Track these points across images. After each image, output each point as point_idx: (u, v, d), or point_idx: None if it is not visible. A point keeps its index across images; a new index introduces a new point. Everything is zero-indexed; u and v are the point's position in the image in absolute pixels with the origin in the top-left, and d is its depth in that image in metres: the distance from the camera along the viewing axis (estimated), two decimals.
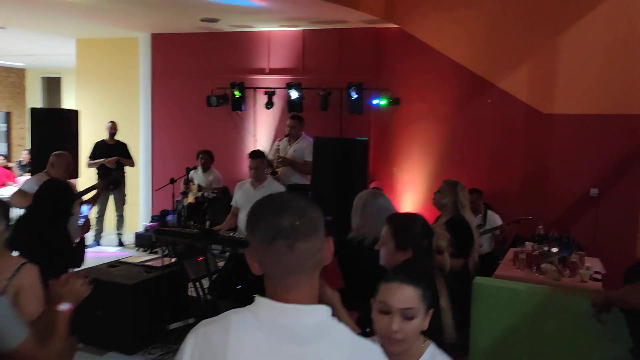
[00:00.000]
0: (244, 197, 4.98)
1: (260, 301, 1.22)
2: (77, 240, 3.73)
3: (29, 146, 9.72)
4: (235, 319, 1.20)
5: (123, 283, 4.48)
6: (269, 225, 1.18)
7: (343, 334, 1.21)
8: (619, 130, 5.77)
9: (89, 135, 7.86)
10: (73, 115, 7.25)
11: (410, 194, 6.84)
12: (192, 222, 6.62)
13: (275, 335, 1.17)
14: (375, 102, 6.81)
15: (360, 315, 2.16)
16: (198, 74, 7.89)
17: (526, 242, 4.56)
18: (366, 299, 1.79)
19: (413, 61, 6.72)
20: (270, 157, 6.37)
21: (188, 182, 6.99)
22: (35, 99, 13.09)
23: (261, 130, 7.69)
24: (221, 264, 5.45)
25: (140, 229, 8.06)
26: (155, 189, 7.89)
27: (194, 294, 4.80)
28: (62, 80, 12.70)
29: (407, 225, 2.40)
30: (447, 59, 6.43)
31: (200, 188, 6.94)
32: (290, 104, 7.08)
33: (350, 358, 1.17)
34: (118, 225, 7.86)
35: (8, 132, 13.05)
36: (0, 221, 2.25)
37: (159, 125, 8.39)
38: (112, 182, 6.90)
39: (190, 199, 6.93)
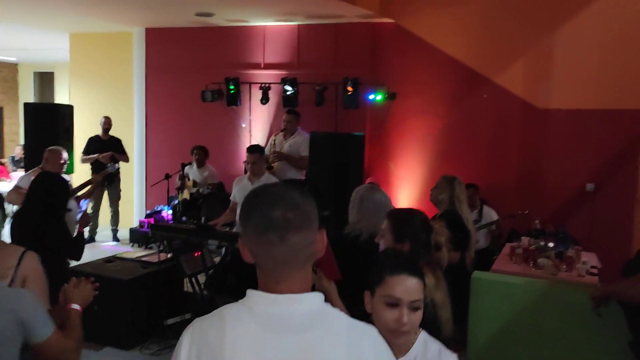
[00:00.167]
0: (241, 192, 4.96)
1: (253, 294, 1.22)
2: (76, 234, 3.71)
3: (21, 141, 9.66)
4: (229, 313, 1.21)
5: (120, 278, 4.47)
6: (261, 216, 1.19)
7: (339, 318, 1.23)
8: (614, 125, 5.79)
9: (82, 131, 7.80)
10: (67, 110, 7.20)
11: (406, 189, 6.84)
12: (185, 218, 6.61)
13: (271, 326, 1.17)
14: (371, 97, 6.79)
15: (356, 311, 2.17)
16: (193, 68, 7.85)
17: (523, 237, 4.58)
18: (362, 295, 1.78)
19: (409, 56, 6.71)
20: (265, 152, 6.36)
21: (183, 177, 6.96)
22: (27, 94, 13.00)
23: (256, 125, 7.67)
24: (217, 259, 5.44)
25: (135, 224, 8.03)
26: (150, 185, 7.86)
27: (190, 290, 4.79)
28: (55, 75, 12.61)
29: (406, 219, 2.42)
30: (443, 54, 6.43)
31: (195, 184, 6.91)
32: (286, 99, 7.06)
33: (348, 342, 1.17)
34: (113, 220, 7.83)
35: (0, 127, 12.96)
36: None
37: (154, 121, 8.35)
38: (106, 177, 6.86)
39: (185, 194, 6.90)
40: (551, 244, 4.28)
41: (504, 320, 3.23)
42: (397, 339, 1.63)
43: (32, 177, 3.77)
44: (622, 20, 5.72)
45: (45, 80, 13.03)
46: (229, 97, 7.42)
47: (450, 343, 1.81)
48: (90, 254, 4.80)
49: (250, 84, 7.50)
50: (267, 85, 7.25)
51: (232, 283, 4.87)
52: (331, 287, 2.24)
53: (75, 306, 2.03)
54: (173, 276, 4.82)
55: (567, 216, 5.81)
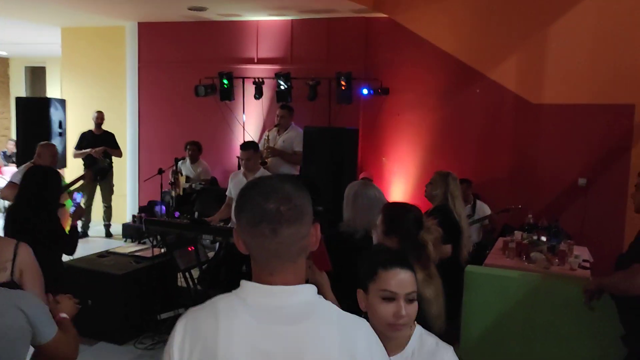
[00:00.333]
0: (237, 188, 4.95)
1: (246, 285, 1.23)
2: (69, 228, 3.70)
3: (13, 136, 9.59)
4: (223, 304, 1.22)
5: (113, 273, 4.46)
6: (255, 209, 1.20)
7: (330, 310, 1.24)
8: (606, 120, 5.83)
9: (75, 126, 7.76)
10: (60, 104, 7.15)
11: (399, 183, 6.86)
12: (178, 213, 6.59)
13: (264, 317, 1.18)
14: (364, 92, 6.80)
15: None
16: (185, 63, 7.81)
17: (515, 232, 4.60)
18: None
19: (402, 51, 6.71)
20: (259, 147, 6.35)
21: (176, 172, 6.93)
22: (18, 88, 12.89)
23: (250, 121, 7.65)
24: (211, 254, 5.44)
25: (127, 219, 8.00)
26: (143, 180, 7.83)
27: (184, 284, 4.78)
28: (47, 70, 12.51)
29: (398, 214, 2.42)
30: (436, 48, 6.43)
31: (188, 179, 6.89)
32: (279, 94, 7.04)
33: (339, 333, 1.18)
34: (105, 216, 7.80)
35: None
36: None
37: (146, 115, 8.31)
38: (98, 172, 6.83)
39: (178, 190, 6.88)
40: (544, 238, 4.31)
41: (497, 314, 3.25)
42: (395, 333, 1.65)
43: (24, 172, 3.75)
44: (614, 15, 5.74)
45: (36, 74, 12.92)
46: (223, 92, 7.40)
47: (442, 339, 1.81)
48: (83, 249, 4.79)
49: (243, 78, 7.47)
50: (260, 80, 7.23)
51: (225, 278, 4.87)
52: (323, 279, 2.24)
53: (64, 315, 2.03)
54: (167, 271, 4.82)
55: (559, 210, 5.84)
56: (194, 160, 7.01)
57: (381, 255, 1.75)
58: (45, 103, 7.16)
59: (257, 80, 7.24)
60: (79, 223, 4.81)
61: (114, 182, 7.80)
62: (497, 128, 6.40)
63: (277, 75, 7.02)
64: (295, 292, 1.21)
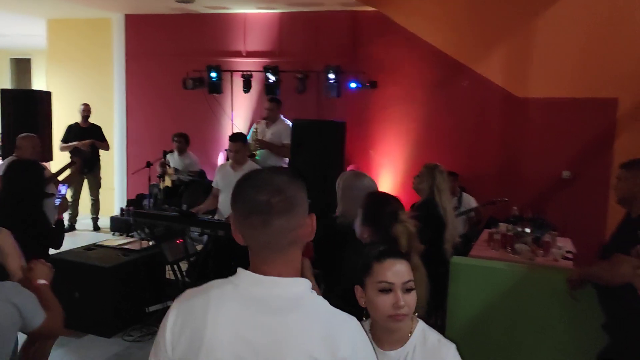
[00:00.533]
0: (224, 180, 4.96)
1: (241, 272, 1.26)
2: (55, 220, 3.67)
3: None
4: (216, 288, 1.25)
5: (101, 266, 4.45)
6: (246, 201, 1.22)
7: (318, 306, 1.24)
8: (591, 113, 5.91)
9: (61, 118, 7.70)
10: (45, 96, 7.08)
11: (387, 176, 6.90)
12: (167, 206, 6.57)
13: (251, 305, 1.20)
14: (352, 85, 6.82)
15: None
16: (173, 56, 7.77)
17: (501, 223, 4.65)
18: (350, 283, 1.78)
19: (390, 44, 6.74)
20: (248, 140, 6.35)
21: (165, 165, 6.92)
22: (3, 80, 12.73)
23: (238, 113, 7.64)
24: (200, 247, 5.44)
25: (115, 212, 7.97)
26: (131, 173, 7.80)
27: (172, 277, 4.79)
28: (32, 62, 12.37)
29: (376, 205, 2.42)
30: (424, 42, 6.46)
31: (176, 171, 6.88)
32: (268, 87, 7.05)
33: (323, 329, 1.19)
34: (93, 209, 7.76)
35: None
36: None
37: (134, 108, 8.26)
38: (86, 161, 6.76)
39: (167, 182, 6.87)
40: (528, 230, 4.37)
41: (482, 304, 3.30)
42: (397, 324, 1.65)
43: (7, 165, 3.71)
44: (598, 10, 5.80)
45: (21, 67, 12.78)
46: (211, 85, 7.38)
47: None
48: (70, 242, 4.77)
49: (232, 72, 7.46)
50: (249, 73, 7.23)
51: (214, 270, 4.88)
52: (305, 264, 2.25)
53: (42, 281, 2.07)
54: (155, 263, 4.82)
55: (544, 203, 5.92)
56: (181, 152, 7.00)
57: (374, 249, 1.76)
58: (31, 95, 7.09)
59: (245, 73, 7.23)
60: (66, 216, 4.77)
61: (102, 175, 7.76)
62: (483, 121, 6.46)
63: (266, 69, 7.02)
64: (285, 285, 1.23)
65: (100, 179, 7.73)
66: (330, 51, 6.98)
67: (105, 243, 5.14)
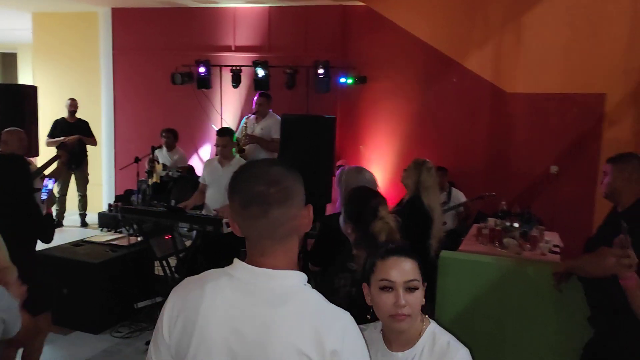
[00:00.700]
0: (211, 175, 4.93)
1: (237, 263, 1.28)
2: (44, 214, 3.63)
3: None
4: (212, 278, 1.28)
5: (89, 262, 4.43)
6: (245, 190, 1.23)
7: (310, 299, 1.24)
8: (578, 109, 5.95)
9: (47, 113, 7.60)
10: (31, 91, 6.99)
11: (377, 171, 6.86)
12: (155, 202, 6.53)
13: (244, 297, 1.22)
14: (342, 80, 6.81)
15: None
16: (162, 50, 7.72)
17: (489, 218, 4.68)
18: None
19: (380, 39, 6.74)
20: (237, 135, 6.32)
21: (153, 161, 6.87)
22: None
23: (228, 108, 7.61)
24: (189, 243, 5.42)
25: (103, 208, 7.91)
26: (119, 168, 7.74)
27: (161, 273, 4.77)
28: (18, 56, 12.21)
29: (358, 201, 2.40)
30: (414, 37, 6.47)
31: (164, 167, 6.83)
32: (257, 82, 7.02)
33: (312, 323, 1.18)
34: (80, 205, 7.70)
35: None
36: None
37: (122, 103, 8.20)
38: (73, 158, 6.69)
39: (155, 178, 6.82)
40: (516, 225, 4.40)
41: (470, 298, 3.31)
42: (399, 325, 1.59)
43: None
44: (586, 5, 5.84)
45: (7, 61, 12.61)
46: (200, 80, 7.34)
47: None
48: (58, 239, 4.72)
49: (221, 66, 7.42)
50: (238, 68, 7.19)
51: (203, 266, 4.86)
52: None
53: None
54: (143, 259, 4.80)
55: (532, 197, 5.97)
56: (170, 148, 6.95)
57: (381, 247, 1.72)
58: (16, 90, 6.99)
59: (234, 68, 7.19)
60: (53, 212, 4.72)
61: (89, 171, 7.69)
62: (472, 117, 6.48)
63: (255, 64, 6.99)
64: (279, 277, 1.24)
65: (87, 174, 7.66)
66: (320, 46, 6.96)
67: (93, 239, 5.10)
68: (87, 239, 5.09)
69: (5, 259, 2.32)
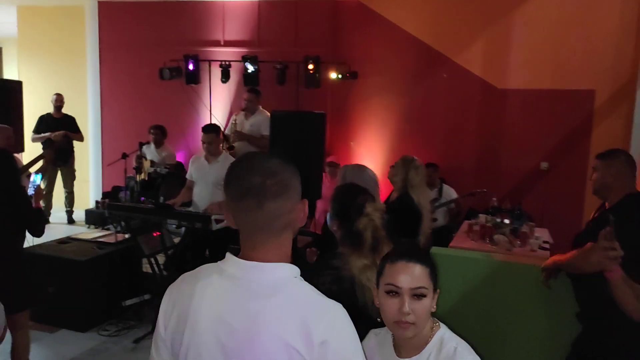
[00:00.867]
0: (198, 172, 4.87)
1: (229, 257, 1.28)
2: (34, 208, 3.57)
3: None
4: (204, 273, 1.29)
5: (75, 259, 4.37)
6: (241, 182, 1.22)
7: (299, 291, 1.23)
8: (568, 104, 5.97)
9: (33, 109, 7.50)
10: (17, 86, 6.89)
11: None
12: (143, 199, 6.47)
13: (234, 290, 1.22)
14: (332, 76, 6.77)
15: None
16: (149, 45, 7.63)
17: (480, 215, 4.69)
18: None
19: (370, 34, 6.70)
20: (227, 131, 6.27)
21: (141, 157, 6.80)
22: None
23: (217, 104, 7.54)
24: (176, 240, 5.37)
25: (90, 205, 7.83)
26: (107, 165, 7.66)
27: (150, 270, 4.72)
28: (3, 51, 12.05)
29: (344, 198, 2.36)
30: (404, 32, 6.45)
31: (152, 164, 6.77)
32: (247, 78, 6.96)
33: (301, 315, 1.17)
34: (67, 201, 7.61)
35: None
36: None
37: (109, 98, 8.10)
38: (59, 151, 6.60)
39: (143, 175, 6.76)
40: (507, 221, 4.40)
41: (460, 294, 3.30)
42: (404, 332, 1.52)
43: None
44: (576, 2, 5.85)
45: None
46: (188, 75, 7.27)
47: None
48: (44, 236, 4.63)
49: (210, 61, 7.35)
50: (227, 63, 7.13)
51: (192, 263, 4.82)
52: None
53: None
54: (131, 257, 4.75)
55: (522, 194, 5.98)
56: (158, 144, 6.88)
57: (393, 250, 1.67)
58: (1, 85, 6.89)
59: (223, 63, 7.12)
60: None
61: (76, 167, 7.60)
62: (463, 113, 6.48)
63: (245, 59, 6.93)
64: (267, 270, 1.22)
65: (74, 171, 7.57)
66: (310, 41, 6.92)
67: (80, 236, 5.05)
68: (73, 236, 5.03)
69: None
